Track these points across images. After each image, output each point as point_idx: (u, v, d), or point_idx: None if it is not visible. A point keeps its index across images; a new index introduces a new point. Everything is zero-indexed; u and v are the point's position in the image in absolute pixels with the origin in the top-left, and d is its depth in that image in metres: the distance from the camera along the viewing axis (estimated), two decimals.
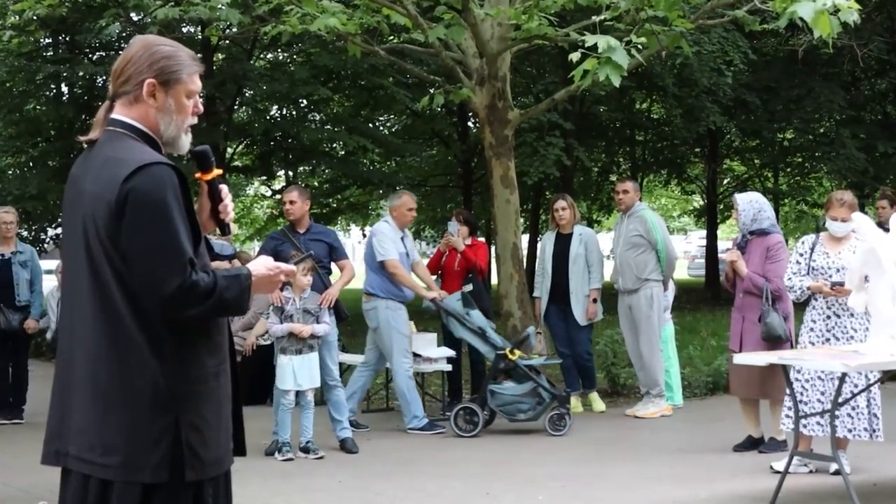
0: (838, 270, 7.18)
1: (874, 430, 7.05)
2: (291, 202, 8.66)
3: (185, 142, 3.21)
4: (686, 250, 51.68)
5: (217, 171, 3.27)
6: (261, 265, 3.21)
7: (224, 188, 3.30)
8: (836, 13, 7.91)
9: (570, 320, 10.07)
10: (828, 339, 7.21)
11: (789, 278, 7.42)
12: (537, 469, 7.61)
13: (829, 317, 7.26)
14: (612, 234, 10.33)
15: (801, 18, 7.97)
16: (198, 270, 2.99)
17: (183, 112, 3.16)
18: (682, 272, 38.05)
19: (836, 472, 6.89)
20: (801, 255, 7.42)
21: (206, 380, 3.08)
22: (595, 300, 10.06)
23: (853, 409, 7.03)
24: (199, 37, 16.62)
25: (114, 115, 3.14)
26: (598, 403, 10.16)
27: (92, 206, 3.00)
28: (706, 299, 22.65)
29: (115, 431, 2.97)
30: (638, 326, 9.86)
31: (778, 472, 6.81)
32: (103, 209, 2.97)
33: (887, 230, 6.46)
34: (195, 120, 3.21)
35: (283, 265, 3.28)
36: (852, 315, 7.08)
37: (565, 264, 10.05)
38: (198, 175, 3.26)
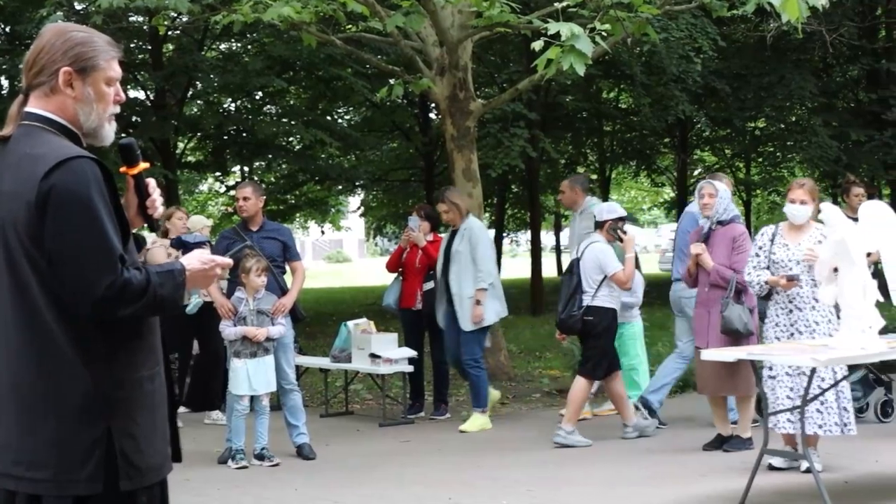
0: (798, 262, 7.01)
1: (845, 424, 6.90)
2: (245, 199, 8.33)
3: (109, 132, 3.07)
4: (657, 243, 51.71)
5: (144, 165, 3.14)
6: (195, 259, 3.10)
7: (151, 182, 3.17)
8: None
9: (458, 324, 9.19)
10: (792, 334, 7.09)
11: (748, 273, 7.26)
12: (502, 473, 7.42)
13: (790, 311, 7.11)
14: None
15: (770, 3, 7.76)
16: (129, 268, 2.86)
17: (103, 101, 3.02)
18: (653, 266, 38.03)
19: (808, 471, 6.74)
20: (761, 247, 7.25)
21: (140, 384, 2.97)
22: (479, 302, 9.01)
23: (822, 404, 6.87)
24: (147, 27, 16.23)
25: (28, 109, 3.01)
26: (471, 422, 9.09)
27: (10, 208, 2.88)
28: None
29: (43, 445, 2.85)
30: None
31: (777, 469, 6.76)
32: (22, 210, 2.84)
33: (857, 220, 6.25)
34: (117, 109, 3.08)
35: (218, 258, 3.17)
36: (814, 308, 6.97)
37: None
38: (123, 169, 3.13)
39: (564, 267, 10.11)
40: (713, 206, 7.76)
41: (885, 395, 8.88)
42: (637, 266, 10.22)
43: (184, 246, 9.11)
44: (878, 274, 6.86)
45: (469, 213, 9.34)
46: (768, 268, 7.17)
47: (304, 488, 7.08)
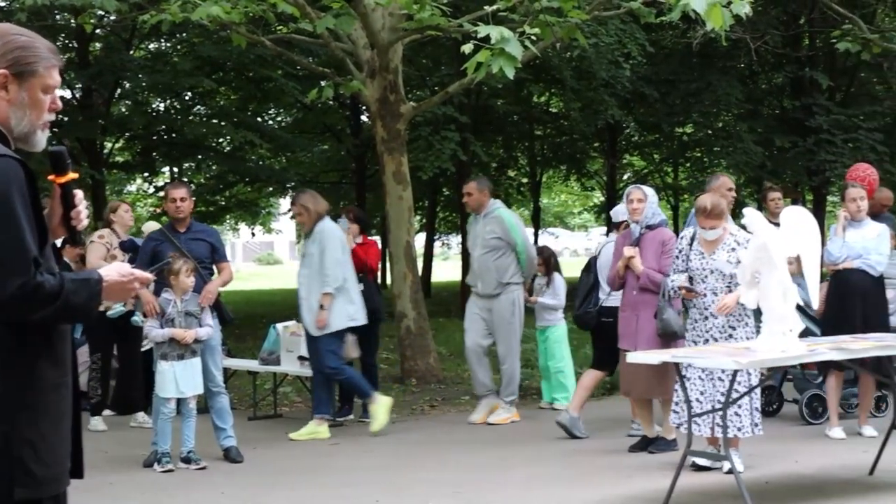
0: (712, 272, 7.16)
1: (755, 425, 7.07)
2: (182, 199, 8.21)
3: (41, 139, 3.03)
4: (587, 247, 52.11)
5: (72, 175, 3.09)
6: (114, 271, 3.04)
7: (79, 194, 3.13)
8: (729, 5, 7.81)
9: None
10: (707, 340, 7.22)
11: (670, 274, 7.39)
12: (429, 474, 7.42)
13: (706, 318, 7.25)
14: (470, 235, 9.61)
15: (695, 10, 7.86)
16: (43, 272, 2.81)
17: (38, 108, 2.99)
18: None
19: (730, 471, 6.82)
20: (681, 250, 7.38)
21: (45, 391, 2.89)
22: (322, 307, 8.68)
23: (739, 406, 7.02)
24: (73, 25, 15.98)
25: None
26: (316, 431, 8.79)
27: None
28: None
29: None
30: (496, 332, 9.39)
31: (701, 469, 6.88)
32: None
33: (778, 224, 6.36)
34: (52, 116, 3.03)
35: (137, 272, 3.12)
36: (730, 313, 7.07)
37: None
38: (51, 177, 3.07)
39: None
40: (642, 211, 7.85)
41: (879, 391, 9.07)
42: (558, 270, 10.30)
43: (136, 249, 9.04)
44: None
45: (323, 216, 8.89)
46: (686, 271, 7.30)
47: (231, 491, 7.00)
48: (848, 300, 8.20)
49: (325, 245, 8.69)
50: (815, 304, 6.93)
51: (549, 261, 10.30)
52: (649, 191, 7.97)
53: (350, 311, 8.81)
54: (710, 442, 7.15)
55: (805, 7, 20.43)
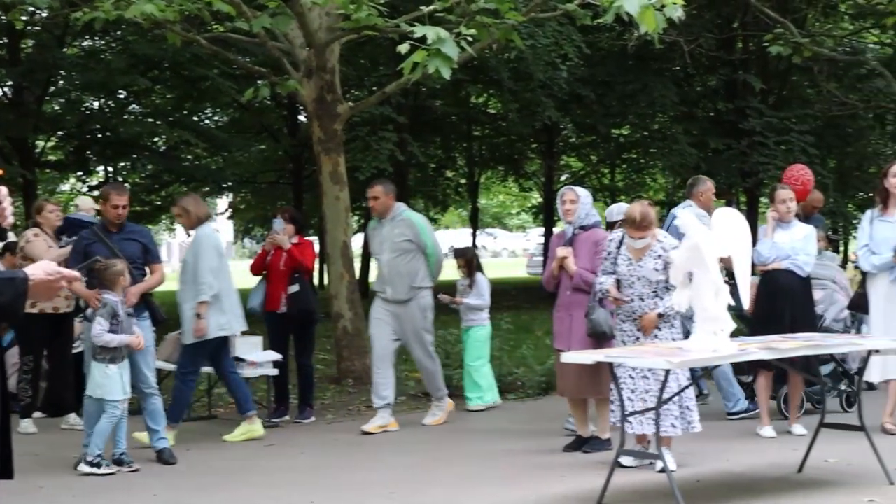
0: (639, 279, 7.27)
1: (689, 423, 7.18)
2: (124, 207, 8.07)
3: None
4: (525, 248, 52.33)
5: None
6: (40, 270, 3.01)
7: (3, 190, 3.10)
8: (662, 9, 7.88)
9: None
10: (637, 338, 7.32)
11: (598, 275, 7.48)
12: (364, 475, 7.40)
13: (634, 319, 7.35)
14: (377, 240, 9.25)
15: (628, 13, 7.92)
16: None
17: None
18: (520, 270, 38.47)
19: (662, 470, 6.89)
20: (609, 253, 7.45)
21: None
22: (199, 315, 8.39)
23: (670, 405, 7.09)
24: (3, 21, 15.68)
25: None
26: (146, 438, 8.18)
27: None
28: (544, 298, 22.73)
29: None
30: (409, 339, 9.20)
31: (628, 468, 6.74)
32: None
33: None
34: None
35: (64, 271, 3.10)
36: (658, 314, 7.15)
37: None
38: None
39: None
40: (575, 212, 7.91)
41: (849, 387, 9.23)
42: (480, 270, 10.32)
43: (74, 225, 9.06)
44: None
45: (203, 220, 8.61)
46: (614, 273, 7.38)
47: (164, 494, 6.94)
48: (777, 300, 8.33)
49: (199, 253, 8.44)
50: (746, 304, 7.02)
51: (471, 262, 10.35)
52: (582, 192, 8.03)
53: (221, 322, 8.50)
54: (639, 440, 7.23)
55: (738, 11, 20.70)
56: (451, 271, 10.91)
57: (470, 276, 10.31)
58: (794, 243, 8.43)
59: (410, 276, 9.06)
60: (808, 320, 8.30)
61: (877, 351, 7.25)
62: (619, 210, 8.91)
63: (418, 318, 9.13)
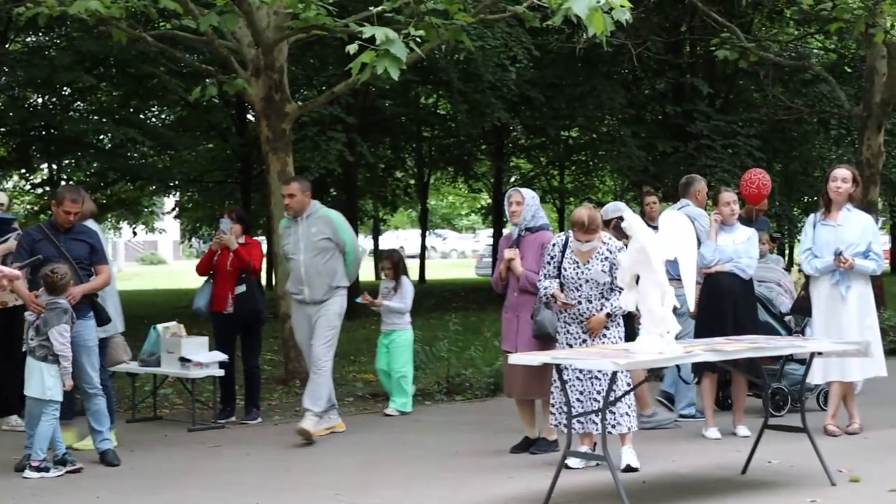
0: (587, 281, 7.32)
1: (630, 424, 7.27)
2: (76, 213, 7.92)
3: None
4: (474, 249, 52.43)
5: None
6: None
7: None
8: (610, 11, 7.91)
9: None
10: (584, 340, 7.37)
11: (540, 279, 7.50)
12: (311, 477, 7.38)
13: (581, 322, 7.40)
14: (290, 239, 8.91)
15: (577, 15, 7.94)
16: None
17: None
18: (469, 271, 38.53)
19: (627, 469, 7.11)
20: (553, 257, 7.49)
21: None
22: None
23: (629, 406, 7.20)
24: None
25: None
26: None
27: None
28: (492, 299, 22.79)
29: None
30: (316, 336, 8.73)
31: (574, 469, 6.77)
32: None
33: (656, 228, 6.48)
34: None
35: (6, 269, 2.96)
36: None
37: None
38: None
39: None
40: (521, 214, 7.93)
41: (827, 385, 9.27)
42: (406, 273, 10.13)
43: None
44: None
45: (87, 217, 8.33)
46: (557, 277, 7.41)
47: (107, 496, 6.87)
48: (720, 303, 8.41)
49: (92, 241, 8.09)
50: (692, 306, 7.08)
51: (398, 264, 10.16)
52: (528, 194, 8.05)
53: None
54: (584, 440, 7.26)
55: (685, 15, 20.85)
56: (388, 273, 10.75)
57: (395, 279, 10.08)
58: (737, 246, 8.53)
59: (329, 275, 8.78)
60: (750, 322, 8.40)
61: (819, 353, 7.35)
62: (614, 208, 9.04)
63: (333, 316, 8.81)
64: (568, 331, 7.44)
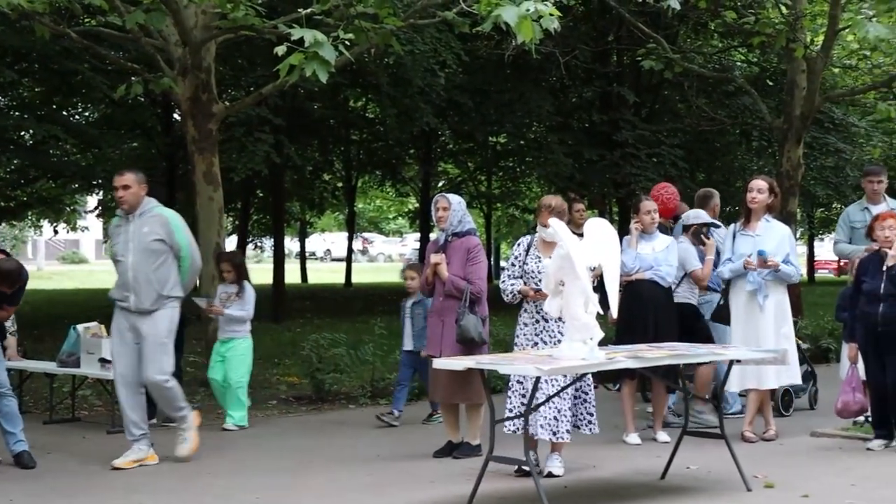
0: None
1: (581, 426, 7.41)
2: None
3: None
4: (402, 252, 52.41)
5: None
6: None
7: None
8: (539, 20, 7.97)
9: None
10: (536, 343, 7.41)
11: (503, 280, 7.59)
12: (232, 480, 7.33)
13: (537, 321, 7.45)
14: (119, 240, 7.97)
15: (506, 23, 7.99)
16: None
17: None
18: (396, 275, 38.44)
19: (550, 475, 7.18)
20: (517, 257, 7.59)
21: None
22: None
23: (559, 412, 7.22)
24: None
25: None
26: None
27: None
28: None
29: None
30: (147, 354, 7.75)
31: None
32: None
33: (582, 235, 6.53)
34: None
35: None
36: (559, 319, 7.17)
37: None
38: None
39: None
40: (447, 219, 7.97)
41: (814, 386, 10.10)
42: (248, 278, 9.57)
43: None
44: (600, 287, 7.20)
45: None
46: (521, 277, 7.47)
47: (21, 499, 6.74)
48: (640, 310, 8.53)
49: None
50: (615, 312, 7.15)
51: (239, 268, 9.57)
52: (455, 199, 8.09)
53: None
54: (532, 446, 7.27)
55: (613, 25, 21.09)
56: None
57: (237, 283, 9.48)
58: (657, 254, 8.66)
59: (159, 282, 7.73)
60: (670, 330, 8.52)
61: (737, 361, 7.49)
62: (695, 215, 9.34)
63: (162, 330, 7.75)
64: (524, 332, 7.52)
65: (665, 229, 9.40)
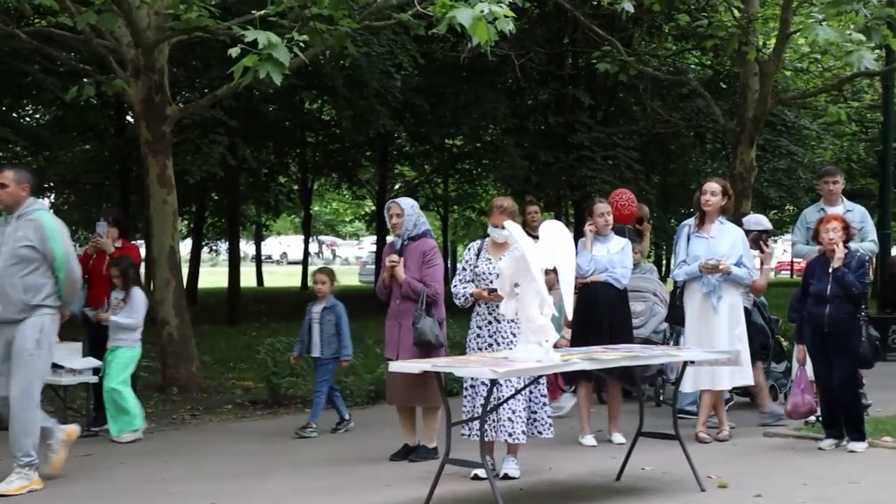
0: (499, 276, 7.27)
1: (540, 432, 7.36)
2: None
3: None
4: (358, 255, 52.33)
5: None
6: None
7: None
8: (494, 22, 7.99)
9: None
10: (491, 345, 7.41)
11: (455, 285, 7.58)
12: (186, 485, 7.25)
13: (490, 322, 7.45)
14: None
15: (461, 25, 8.00)
16: None
17: None
18: (352, 278, 38.40)
19: (506, 477, 7.17)
20: (468, 261, 7.62)
21: None
22: None
23: (513, 413, 7.19)
24: None
25: None
26: None
27: None
28: (375, 306, 22.67)
29: None
30: (13, 367, 7.13)
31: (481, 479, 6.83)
32: None
33: (537, 237, 6.54)
34: None
35: None
36: (513, 320, 7.17)
37: None
38: None
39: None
40: (402, 225, 7.96)
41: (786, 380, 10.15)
42: (138, 284, 9.24)
43: None
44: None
45: None
46: (473, 280, 7.48)
47: None
48: (595, 312, 8.56)
49: None
50: (570, 314, 7.16)
51: (126, 273, 9.16)
52: (407, 204, 8.06)
53: None
54: (488, 449, 7.26)
55: (568, 28, 21.19)
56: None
57: (125, 290, 9.11)
58: (612, 256, 8.70)
59: (27, 290, 7.17)
60: (625, 331, 8.56)
61: (691, 362, 7.53)
62: (756, 221, 9.39)
63: (30, 343, 7.16)
64: (479, 335, 7.51)
65: (623, 231, 9.44)
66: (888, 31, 12.71)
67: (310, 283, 10.34)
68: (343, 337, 9.20)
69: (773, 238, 9.40)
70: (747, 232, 9.14)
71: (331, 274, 9.45)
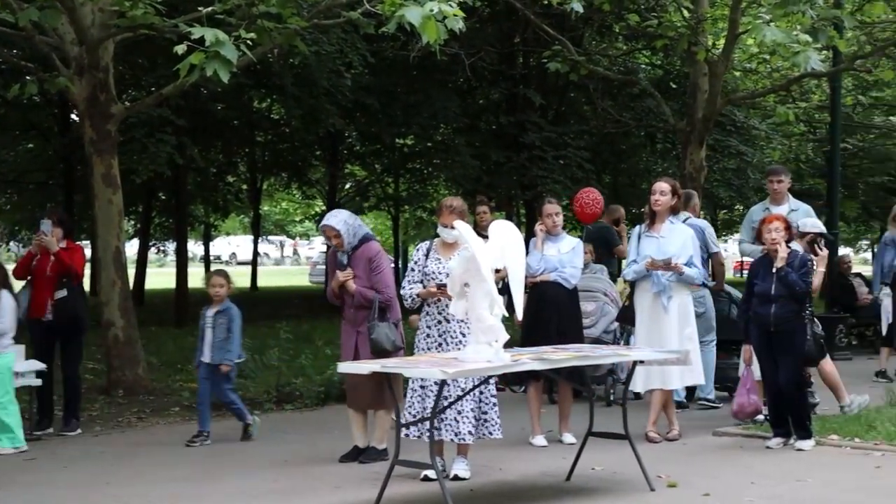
0: (449, 276, 7.24)
1: (490, 433, 7.31)
2: None
3: None
4: (308, 256, 52.10)
5: None
6: None
7: None
8: (444, 20, 7.95)
9: None
10: (440, 344, 7.38)
11: (403, 287, 7.54)
12: (132, 489, 7.15)
13: (440, 322, 7.42)
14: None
15: (410, 23, 7.95)
16: None
17: None
18: (303, 279, 38.21)
19: (456, 478, 7.13)
20: (417, 262, 7.59)
21: None
22: None
23: (459, 413, 7.16)
24: None
25: None
26: None
27: None
28: (325, 307, 22.58)
29: None
30: None
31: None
32: None
33: (487, 237, 6.51)
34: None
35: None
36: (462, 320, 7.14)
37: None
38: None
39: None
40: (343, 242, 7.88)
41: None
42: (8, 288, 8.77)
43: None
44: (505, 289, 7.19)
45: None
46: (422, 281, 7.44)
47: None
48: (544, 311, 8.55)
49: None
50: (520, 314, 7.13)
51: None
52: (338, 221, 7.92)
53: None
54: (438, 450, 7.22)
55: (519, 27, 21.18)
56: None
57: None
58: (562, 256, 8.68)
59: None
60: (575, 331, 8.55)
61: (641, 362, 7.53)
62: (812, 224, 9.14)
63: None
64: (428, 335, 7.45)
65: (608, 232, 9.44)
66: (834, 33, 12.85)
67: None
68: (232, 341, 8.76)
69: (828, 237, 9.29)
70: (803, 234, 8.88)
71: (227, 277, 9.04)
